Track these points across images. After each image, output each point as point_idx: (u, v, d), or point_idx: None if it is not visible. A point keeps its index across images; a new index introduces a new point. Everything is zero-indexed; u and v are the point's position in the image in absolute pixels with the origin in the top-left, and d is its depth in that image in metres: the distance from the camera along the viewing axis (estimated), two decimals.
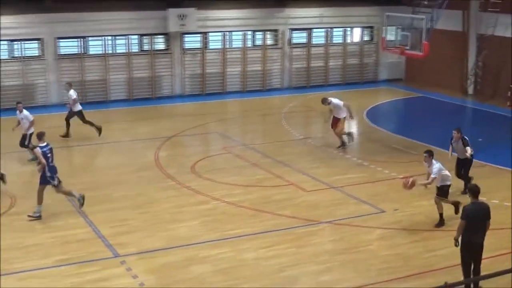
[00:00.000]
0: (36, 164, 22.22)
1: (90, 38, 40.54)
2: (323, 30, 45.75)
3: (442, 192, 20.05)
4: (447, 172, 20.15)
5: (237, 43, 44.00)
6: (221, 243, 19.13)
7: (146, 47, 41.98)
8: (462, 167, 22.89)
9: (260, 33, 44.40)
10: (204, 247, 18.90)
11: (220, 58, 43.43)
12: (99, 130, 31.72)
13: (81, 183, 24.79)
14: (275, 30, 44.52)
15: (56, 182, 21.34)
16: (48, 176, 21.14)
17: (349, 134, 29.64)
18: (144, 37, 41.78)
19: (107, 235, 19.84)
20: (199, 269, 17.45)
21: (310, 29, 45.33)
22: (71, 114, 31.75)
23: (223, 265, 17.70)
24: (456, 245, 15.37)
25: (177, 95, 42.21)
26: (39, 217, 21.09)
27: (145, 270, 17.41)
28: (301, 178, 25.22)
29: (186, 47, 42.77)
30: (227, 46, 43.67)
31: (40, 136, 21.71)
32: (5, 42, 38.72)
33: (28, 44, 39.47)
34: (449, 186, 20.20)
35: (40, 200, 21.22)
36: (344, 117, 29.15)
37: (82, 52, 40.50)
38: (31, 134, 27.39)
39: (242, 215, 21.57)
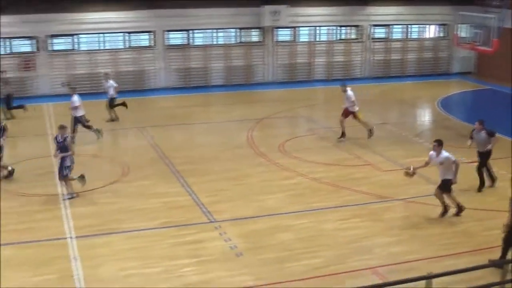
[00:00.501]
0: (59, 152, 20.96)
1: (194, 31, 41.04)
2: (401, 26, 45.27)
3: (445, 186, 18.72)
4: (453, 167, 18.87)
5: (324, 37, 43.81)
6: (303, 214, 19.19)
7: (243, 39, 42.25)
8: (480, 159, 21.41)
9: (344, 28, 44.24)
10: (288, 217, 19.01)
11: (308, 50, 43.38)
12: (114, 119, 32.20)
13: (183, 157, 25.32)
14: (358, 26, 44.19)
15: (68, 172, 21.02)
16: (67, 166, 20.83)
17: (369, 129, 28.44)
18: (242, 30, 42.07)
19: (205, 202, 20.13)
20: (283, 236, 17.56)
21: (390, 25, 44.82)
22: (110, 100, 32.24)
23: (304, 233, 17.77)
24: (504, 232, 15.10)
25: (269, 82, 42.30)
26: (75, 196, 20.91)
27: (236, 235, 17.62)
28: (378, 159, 25.03)
29: (278, 40, 42.86)
30: (315, 39, 43.68)
31: (63, 128, 21.13)
32: (122, 34, 39.62)
33: (141, 36, 40.27)
34: (451, 180, 18.83)
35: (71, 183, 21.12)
36: (357, 111, 28.08)
37: (187, 43, 41.09)
38: (81, 116, 27.62)
39: (323, 190, 21.55)
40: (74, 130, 27.27)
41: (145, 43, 40.44)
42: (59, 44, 39.08)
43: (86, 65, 39.18)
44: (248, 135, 28.70)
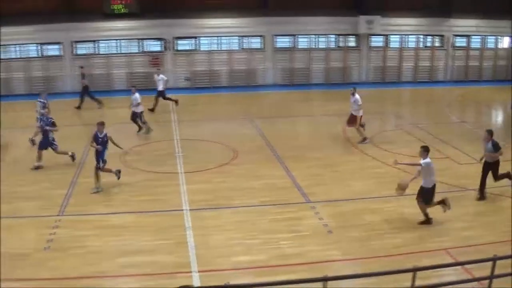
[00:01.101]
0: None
1: (299, 36, 40.88)
2: (479, 37, 43.87)
3: (425, 194, 16.71)
4: (433, 175, 16.83)
5: (412, 44, 42.85)
6: (388, 199, 18.61)
7: (341, 44, 41.80)
8: (489, 171, 19.12)
9: (430, 37, 43.23)
10: (375, 201, 18.63)
11: (398, 55, 42.53)
12: (176, 101, 32.41)
13: (286, 145, 25.25)
14: (442, 35, 43.14)
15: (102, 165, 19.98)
16: (104, 160, 19.87)
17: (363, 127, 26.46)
18: (340, 36, 41.63)
19: (302, 185, 19.94)
20: (370, 218, 17.23)
21: (469, 36, 43.51)
22: (160, 93, 31.99)
23: (388, 216, 17.35)
24: None
25: (363, 82, 41.69)
26: (99, 191, 19.79)
27: (329, 215, 17.38)
28: (456, 153, 24.21)
29: (372, 45, 42.22)
30: (404, 46, 42.78)
31: (102, 124, 19.99)
32: (236, 37, 39.85)
33: (253, 39, 40.40)
34: (432, 188, 16.72)
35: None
36: (361, 116, 26.00)
37: (293, 46, 40.95)
38: (140, 112, 27.27)
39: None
40: (143, 122, 27.45)
41: (257, 45, 40.51)
42: (183, 45, 39.72)
43: (205, 63, 39.65)
44: (342, 128, 28.26)
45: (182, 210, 17.93)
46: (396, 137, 27.11)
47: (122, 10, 38.27)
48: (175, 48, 39.53)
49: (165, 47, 39.32)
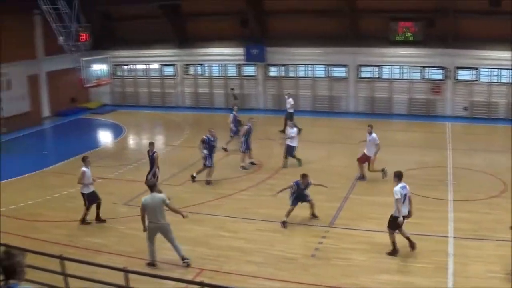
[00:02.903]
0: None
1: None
2: None
3: (389, 222, 16.54)
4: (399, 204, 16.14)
5: None
6: None
7: None
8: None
9: None
10: None
11: None
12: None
13: None
14: None
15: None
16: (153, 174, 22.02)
17: (383, 171, 24.06)
18: None
19: None
20: None
21: None
22: (288, 115, 33.31)
23: None
24: None
25: None
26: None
27: None
28: None
29: None
30: None
31: (152, 144, 22.72)
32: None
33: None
34: (397, 218, 16.18)
35: None
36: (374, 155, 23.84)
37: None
38: (293, 147, 26.57)
39: None
40: (286, 156, 26.91)
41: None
42: (463, 74, 38.99)
43: (484, 94, 38.50)
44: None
45: (447, 236, 17.99)
46: None
47: (407, 38, 38.84)
48: (456, 77, 39.07)
49: (445, 76, 39.06)
